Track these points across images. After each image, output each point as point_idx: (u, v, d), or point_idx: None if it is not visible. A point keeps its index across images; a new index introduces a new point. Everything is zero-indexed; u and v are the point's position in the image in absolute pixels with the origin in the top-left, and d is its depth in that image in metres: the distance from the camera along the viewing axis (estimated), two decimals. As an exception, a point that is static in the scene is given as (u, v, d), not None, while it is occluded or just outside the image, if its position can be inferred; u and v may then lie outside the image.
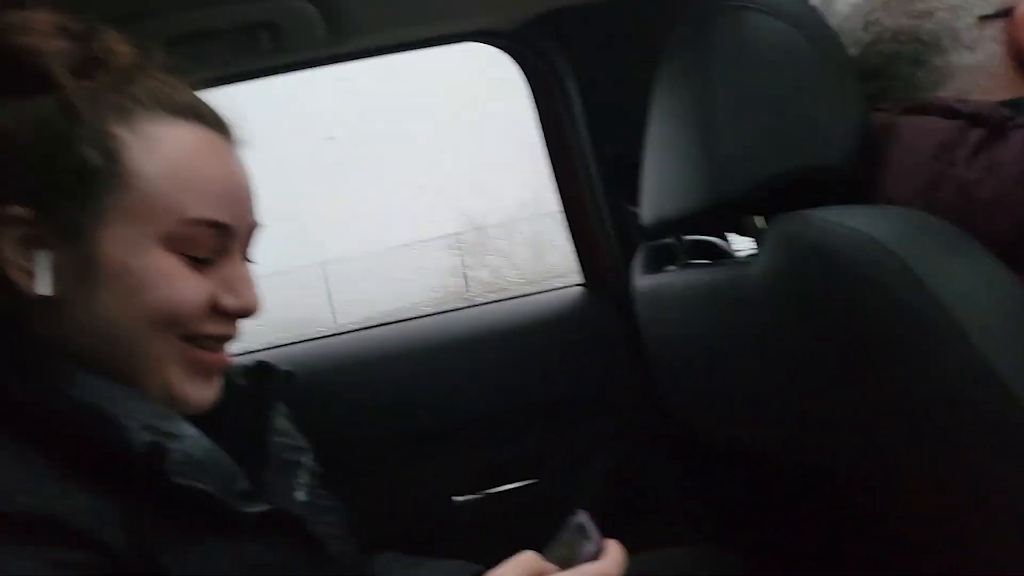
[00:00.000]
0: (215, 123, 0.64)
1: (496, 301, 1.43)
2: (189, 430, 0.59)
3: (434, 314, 1.40)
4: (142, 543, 0.52)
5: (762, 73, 0.71)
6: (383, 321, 1.38)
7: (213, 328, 0.62)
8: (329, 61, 1.22)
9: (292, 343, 1.35)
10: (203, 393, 0.64)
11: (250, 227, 0.66)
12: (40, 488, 0.50)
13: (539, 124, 1.36)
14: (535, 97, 1.35)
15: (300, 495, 0.74)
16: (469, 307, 1.41)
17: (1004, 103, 0.65)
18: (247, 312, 0.64)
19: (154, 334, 0.59)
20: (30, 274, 0.57)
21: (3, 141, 0.57)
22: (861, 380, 0.62)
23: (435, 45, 1.27)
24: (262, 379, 0.75)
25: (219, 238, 0.62)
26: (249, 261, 0.69)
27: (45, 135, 0.57)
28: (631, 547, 1.04)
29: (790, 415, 0.75)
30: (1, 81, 0.58)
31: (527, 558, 0.66)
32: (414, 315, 1.41)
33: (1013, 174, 0.58)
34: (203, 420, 0.66)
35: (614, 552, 0.66)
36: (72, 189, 0.57)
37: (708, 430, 1.01)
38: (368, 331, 1.36)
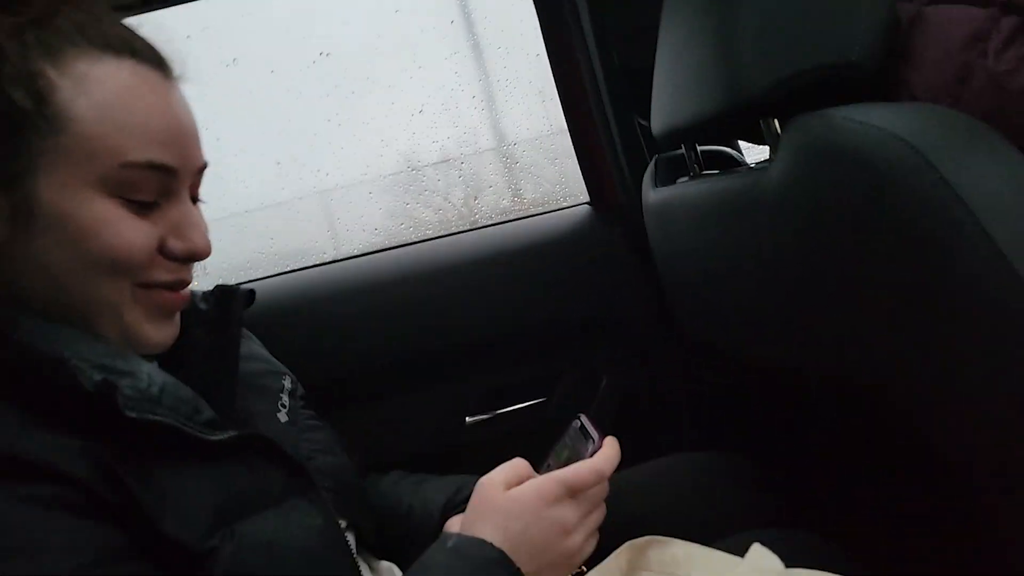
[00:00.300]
0: (152, 58, 0.61)
1: (501, 223, 1.40)
2: (143, 365, 0.58)
3: (440, 236, 1.37)
4: (107, 473, 0.52)
5: None
6: (389, 245, 1.36)
7: (164, 274, 0.61)
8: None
9: (299, 269, 1.33)
10: (163, 332, 0.63)
11: (196, 167, 0.64)
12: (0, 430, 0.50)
13: (544, 35, 1.31)
14: (539, 8, 1.29)
15: (282, 416, 0.74)
16: (474, 229, 1.38)
17: None
18: (196, 256, 0.63)
19: (103, 280, 0.58)
20: None
21: None
22: (883, 283, 0.60)
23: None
24: (224, 302, 0.74)
25: (162, 181, 0.60)
26: (198, 201, 0.67)
27: None
28: (641, 458, 1.05)
29: (807, 325, 0.73)
30: None
31: (516, 462, 0.68)
32: (419, 239, 1.38)
33: None
34: (168, 353, 0.66)
35: (609, 448, 0.66)
36: (2, 134, 0.55)
37: (720, 344, 1.00)
38: (375, 255, 1.34)
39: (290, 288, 1.26)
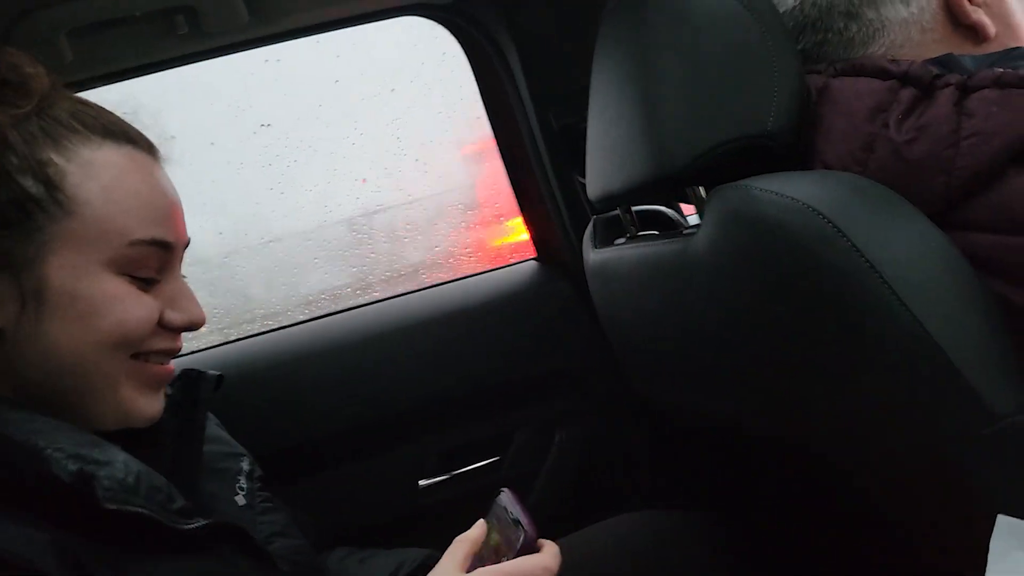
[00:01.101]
0: (141, 142, 0.65)
1: (450, 281, 1.41)
2: (118, 455, 0.58)
3: (388, 299, 1.37)
4: (77, 567, 0.52)
5: (699, 41, 0.70)
6: (335, 310, 1.35)
7: (160, 344, 0.64)
8: (253, 44, 1.17)
9: (244, 338, 1.32)
10: (154, 406, 0.65)
11: (185, 242, 0.67)
12: None
13: (482, 97, 1.34)
14: (476, 70, 1.32)
15: (240, 499, 0.74)
16: (422, 289, 1.39)
17: (932, 61, 0.64)
18: (194, 325, 0.66)
19: (104, 356, 0.60)
20: None
21: None
22: (801, 347, 0.63)
23: (368, 21, 1.23)
24: (191, 387, 0.74)
25: (162, 256, 0.63)
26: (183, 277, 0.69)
27: None
28: (598, 517, 1.05)
29: (739, 385, 0.75)
30: None
31: (460, 545, 0.66)
32: (365, 301, 1.38)
33: (942, 134, 0.58)
34: (134, 439, 0.65)
35: (552, 546, 0.66)
36: (13, 220, 0.57)
37: (668, 401, 1.01)
38: (321, 320, 1.33)
39: (234, 357, 1.25)
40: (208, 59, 1.13)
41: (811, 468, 0.77)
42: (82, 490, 0.53)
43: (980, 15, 0.68)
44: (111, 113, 0.64)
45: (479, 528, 0.68)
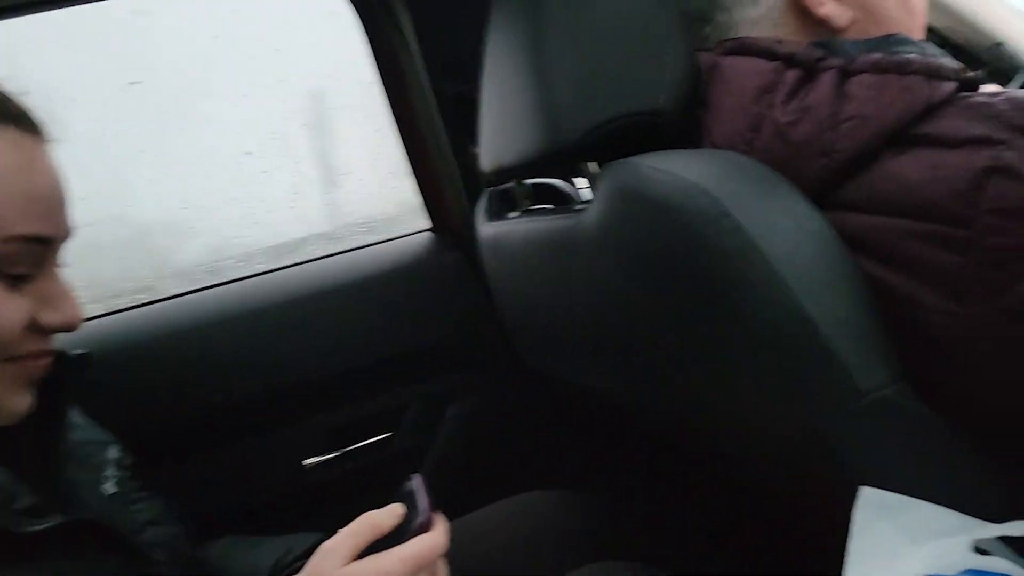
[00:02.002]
0: (26, 122, 0.58)
1: (340, 252, 1.36)
2: None
3: (273, 270, 1.31)
4: None
5: (593, 14, 0.69)
6: (217, 282, 1.28)
7: (32, 346, 0.58)
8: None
9: (117, 311, 1.23)
10: (23, 401, 0.60)
11: (66, 235, 0.61)
12: None
13: (374, 63, 1.28)
14: (367, 31, 1.27)
15: (108, 488, 0.69)
16: (310, 261, 1.33)
17: (816, 44, 0.65)
18: (69, 328, 0.60)
19: None
20: None
21: None
22: (685, 325, 0.63)
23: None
24: (54, 369, 0.68)
25: (38, 252, 0.57)
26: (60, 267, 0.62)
27: None
28: (488, 495, 1.05)
29: (625, 360, 0.76)
30: None
31: (357, 527, 0.64)
32: (250, 273, 1.31)
33: (823, 116, 0.60)
34: None
35: (442, 523, 0.65)
36: None
37: (559, 377, 1.01)
38: (199, 293, 1.26)
39: (106, 332, 1.16)
40: (67, 6, 1.03)
41: (694, 443, 0.79)
42: None
43: (828, 8, 0.69)
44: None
45: (360, 521, 0.66)
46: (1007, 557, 0.50)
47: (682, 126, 0.70)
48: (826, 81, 0.61)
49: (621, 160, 0.66)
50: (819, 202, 0.60)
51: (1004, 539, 0.50)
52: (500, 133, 0.83)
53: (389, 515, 0.66)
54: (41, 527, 0.54)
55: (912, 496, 0.52)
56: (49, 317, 0.58)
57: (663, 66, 0.68)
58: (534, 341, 1.00)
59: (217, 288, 1.26)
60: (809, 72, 0.63)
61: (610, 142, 0.69)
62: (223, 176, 1.38)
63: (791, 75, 0.63)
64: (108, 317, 1.20)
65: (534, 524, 0.95)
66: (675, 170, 0.61)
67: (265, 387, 1.19)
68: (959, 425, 0.55)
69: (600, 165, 0.72)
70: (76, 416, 0.79)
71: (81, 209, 0.62)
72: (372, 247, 1.36)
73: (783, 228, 0.58)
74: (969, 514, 0.51)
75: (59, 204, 0.60)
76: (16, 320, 0.55)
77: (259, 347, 1.19)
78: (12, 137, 0.56)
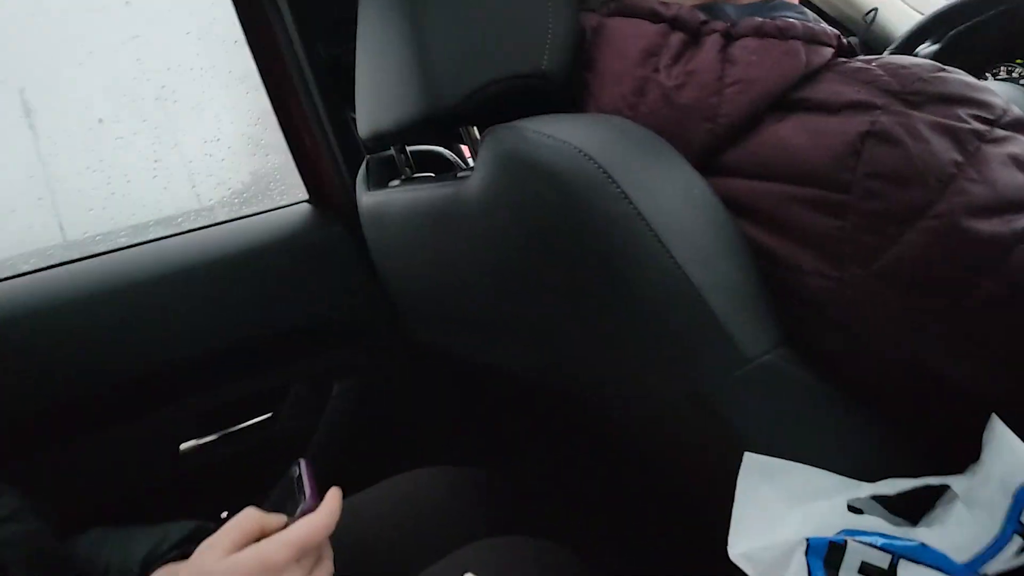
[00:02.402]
0: None
1: (211, 225, 1.27)
2: None
3: (136, 245, 1.21)
4: None
5: None
6: (73, 258, 1.17)
7: None
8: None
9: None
10: None
11: None
12: None
13: (240, 21, 1.20)
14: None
15: None
16: (179, 234, 1.24)
17: (700, 7, 0.65)
18: None
19: None
20: None
21: None
22: (571, 294, 0.62)
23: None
24: None
25: None
26: None
27: None
28: (376, 475, 1.02)
29: (515, 332, 0.74)
30: None
31: (242, 519, 0.63)
32: (112, 248, 1.21)
33: (708, 80, 0.59)
34: None
35: (329, 502, 0.63)
36: None
37: (447, 349, 0.99)
38: (57, 268, 1.15)
39: None
40: None
41: (585, 415, 0.78)
42: None
43: None
44: None
45: (244, 515, 0.63)
46: (879, 515, 0.52)
47: (565, 90, 0.68)
48: (710, 45, 0.60)
49: (503, 124, 0.64)
50: (704, 167, 0.59)
51: (876, 497, 0.52)
52: (377, 97, 0.79)
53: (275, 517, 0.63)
54: None
55: (798, 460, 0.53)
56: None
57: (546, 27, 0.65)
58: (420, 315, 0.97)
59: (78, 263, 1.15)
60: (694, 35, 0.62)
61: (492, 106, 0.66)
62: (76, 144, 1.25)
63: (676, 38, 0.62)
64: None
65: (423, 501, 0.92)
66: (559, 135, 0.59)
67: (134, 368, 1.10)
68: (843, 388, 0.56)
69: (481, 130, 0.69)
70: None
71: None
72: (246, 219, 1.28)
73: (668, 194, 0.57)
74: (853, 476, 0.53)
75: None
76: None
77: (126, 326, 1.10)
78: None
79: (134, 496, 1.10)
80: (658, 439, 0.65)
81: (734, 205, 0.58)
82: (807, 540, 0.49)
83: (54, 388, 1.06)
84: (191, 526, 0.77)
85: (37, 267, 1.14)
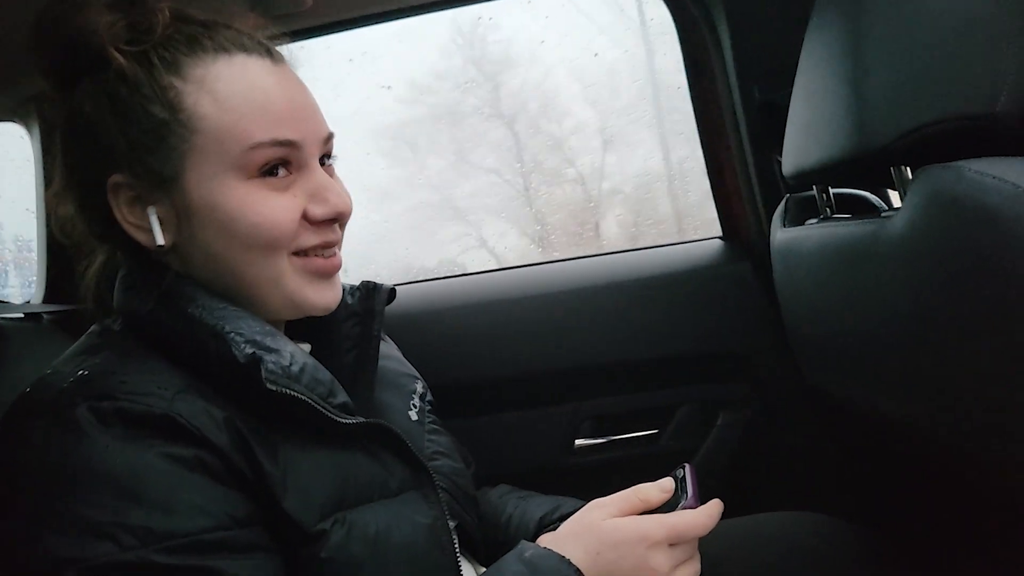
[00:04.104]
0: (259, 49, 0.66)
1: (632, 250, 1.41)
2: (288, 346, 0.64)
3: (571, 259, 1.40)
4: (244, 446, 0.59)
5: (921, 11, 0.65)
6: (517, 264, 1.41)
7: (313, 239, 0.66)
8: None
9: (432, 279, 1.41)
10: (325, 296, 0.68)
11: (319, 137, 0.67)
12: (163, 392, 0.57)
13: (687, 70, 1.31)
14: (683, 40, 1.30)
15: (412, 415, 0.79)
16: (605, 254, 1.40)
17: None
18: (338, 214, 0.67)
19: (260, 257, 0.64)
20: (146, 230, 0.64)
21: (88, 123, 0.63)
22: (1000, 350, 0.57)
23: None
24: (367, 297, 0.80)
25: (290, 154, 0.64)
26: (330, 159, 0.71)
27: (117, 107, 0.62)
28: (744, 509, 1.02)
29: (927, 384, 0.69)
30: (70, 64, 0.63)
31: (631, 494, 0.68)
32: (548, 259, 1.42)
33: None
34: (316, 338, 0.72)
35: (711, 507, 0.66)
36: (151, 145, 0.62)
37: (839, 394, 0.96)
38: (503, 272, 1.39)
39: (422, 296, 1.33)
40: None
41: (983, 480, 0.70)
42: (252, 372, 0.59)
43: None
44: (232, 29, 0.66)
45: (631, 491, 0.69)
46: None
47: (1016, 137, 0.63)
48: None
49: (942, 164, 0.62)
50: None
51: None
52: (806, 135, 0.81)
53: (659, 490, 0.69)
54: (350, 422, 0.64)
55: None
56: (315, 209, 0.65)
57: (1003, 68, 0.62)
58: (816, 354, 0.96)
59: (519, 269, 1.38)
60: None
61: (926, 147, 0.64)
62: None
63: None
64: (424, 283, 1.38)
65: (785, 543, 0.91)
66: (1008, 176, 0.55)
67: (549, 366, 1.28)
68: None
69: (913, 171, 0.67)
70: (394, 349, 0.93)
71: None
72: (663, 248, 1.39)
73: None
74: None
75: (300, 110, 0.66)
76: (284, 216, 0.63)
77: (546, 327, 1.28)
78: (242, 61, 0.64)
79: (535, 472, 1.27)
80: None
81: None
82: None
83: (488, 368, 1.28)
84: (581, 503, 0.84)
85: (494, 268, 1.40)
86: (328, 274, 0.69)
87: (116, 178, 0.64)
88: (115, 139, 0.63)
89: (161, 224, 0.64)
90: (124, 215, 0.65)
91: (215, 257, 0.64)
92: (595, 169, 1.52)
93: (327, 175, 0.68)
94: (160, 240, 0.64)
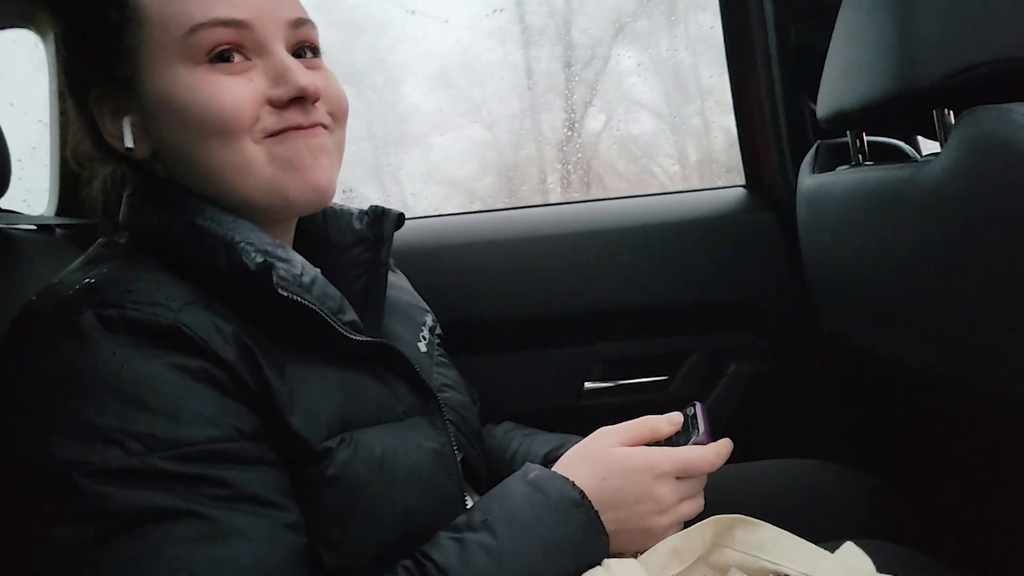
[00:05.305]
0: None
1: (653, 194, 1.38)
2: (299, 258, 0.63)
3: (589, 200, 1.38)
4: (251, 360, 0.58)
5: None
6: (534, 203, 1.39)
7: (281, 122, 0.62)
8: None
9: (447, 214, 1.39)
10: (307, 179, 0.63)
11: (280, 20, 0.63)
12: (170, 303, 0.56)
13: (722, 8, 1.26)
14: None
15: (421, 346, 0.78)
16: (625, 197, 1.37)
17: None
18: (300, 94, 0.62)
19: (221, 145, 0.61)
20: (121, 138, 0.63)
21: (67, 40, 0.64)
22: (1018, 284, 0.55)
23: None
24: (376, 222, 0.78)
25: (240, 35, 0.61)
26: (314, 55, 0.67)
27: (83, 23, 0.63)
28: (752, 456, 1.02)
29: (958, 332, 0.68)
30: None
31: (640, 425, 0.68)
32: (567, 200, 1.39)
33: None
34: (324, 264, 0.71)
35: (721, 445, 0.65)
36: (111, 51, 0.62)
37: (862, 341, 0.94)
38: (519, 211, 1.37)
39: (435, 231, 1.32)
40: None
41: (1003, 431, 0.69)
42: (263, 279, 0.58)
43: None
44: None
45: (639, 421, 0.69)
46: None
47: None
48: None
49: (987, 106, 0.59)
50: None
51: None
52: (845, 75, 0.78)
53: (667, 422, 0.68)
54: (361, 339, 0.63)
55: None
56: (278, 92, 0.61)
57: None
58: (839, 301, 0.94)
59: (536, 208, 1.36)
60: None
61: (973, 89, 0.62)
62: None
63: None
64: (439, 218, 1.36)
65: (799, 488, 0.90)
66: (1057, 120, 0.53)
67: (559, 306, 1.26)
68: None
69: (957, 114, 0.64)
70: (404, 281, 0.92)
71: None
72: (685, 194, 1.36)
73: None
74: None
75: None
76: (238, 99, 0.60)
77: (561, 267, 1.27)
78: None
79: (542, 412, 1.27)
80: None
81: None
82: None
83: (500, 307, 1.27)
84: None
85: (510, 206, 1.38)
86: (303, 159, 0.63)
87: (95, 93, 0.64)
88: (88, 51, 0.63)
89: (135, 131, 0.63)
90: (107, 128, 0.64)
91: (182, 153, 0.63)
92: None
93: (291, 57, 0.64)
94: (129, 143, 0.63)
